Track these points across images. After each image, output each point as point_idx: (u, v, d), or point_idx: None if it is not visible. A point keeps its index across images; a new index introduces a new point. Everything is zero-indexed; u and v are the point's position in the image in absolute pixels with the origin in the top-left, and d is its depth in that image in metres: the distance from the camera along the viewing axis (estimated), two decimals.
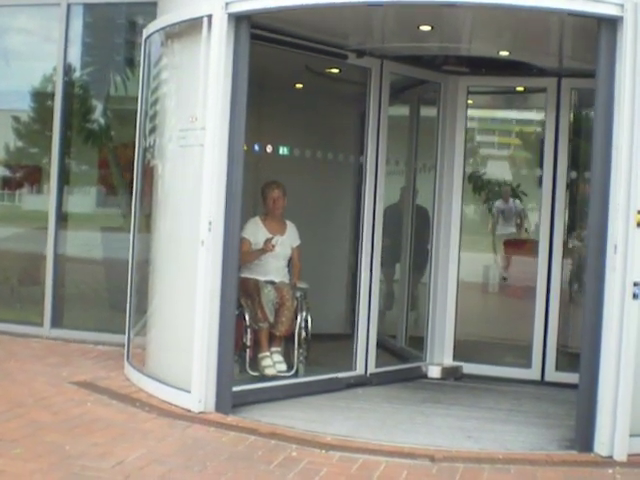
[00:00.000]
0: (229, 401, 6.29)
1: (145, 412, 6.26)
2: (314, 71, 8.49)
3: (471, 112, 8.60)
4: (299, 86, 9.37)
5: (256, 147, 8.99)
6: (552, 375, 7.87)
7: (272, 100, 8.82)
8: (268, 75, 7.85)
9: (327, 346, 8.20)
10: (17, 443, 5.33)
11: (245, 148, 6.49)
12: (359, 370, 7.60)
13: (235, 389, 6.44)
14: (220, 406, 6.28)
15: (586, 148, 7.12)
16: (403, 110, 8.52)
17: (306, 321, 7.56)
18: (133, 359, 7.44)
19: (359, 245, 7.71)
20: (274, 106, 8.89)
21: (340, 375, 7.43)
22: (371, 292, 7.62)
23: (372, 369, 7.65)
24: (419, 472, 5.23)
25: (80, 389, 6.81)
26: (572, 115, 8.49)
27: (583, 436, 5.76)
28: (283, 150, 9.38)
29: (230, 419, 6.14)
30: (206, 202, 6.23)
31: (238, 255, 6.46)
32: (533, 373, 7.91)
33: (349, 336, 8.32)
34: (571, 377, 6.51)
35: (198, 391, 6.25)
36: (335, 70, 8.46)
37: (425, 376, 7.98)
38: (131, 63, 9.56)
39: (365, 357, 7.62)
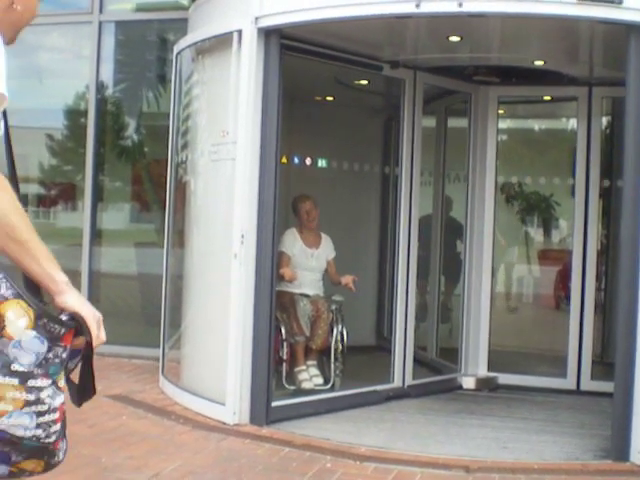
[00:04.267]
0: (264, 413, 6.31)
1: (180, 425, 6.29)
2: (343, 83, 8.53)
3: (502, 121, 8.59)
4: (329, 98, 9.42)
5: (295, 159, 9.04)
6: (588, 384, 7.82)
7: (301, 112, 8.85)
8: (297, 87, 7.88)
9: (359, 359, 8.19)
10: None
11: (285, 161, 6.52)
12: (397, 382, 7.57)
13: (273, 404, 6.46)
14: (255, 418, 6.30)
15: (618, 156, 7.10)
16: (431, 120, 8.52)
17: (342, 334, 7.56)
18: (168, 372, 7.48)
19: (394, 256, 7.68)
20: (303, 118, 8.92)
21: (379, 388, 7.42)
22: (407, 304, 7.61)
23: (409, 381, 7.63)
24: None
25: (115, 402, 6.86)
26: (604, 123, 8.47)
27: (619, 445, 5.71)
28: (319, 162, 9.43)
29: (265, 431, 6.16)
30: (238, 215, 6.27)
31: (276, 268, 6.49)
32: (568, 383, 7.86)
33: (379, 348, 8.33)
34: (607, 386, 6.47)
35: (232, 403, 6.27)
36: (364, 82, 8.49)
37: (460, 387, 7.96)
38: (163, 79, 9.63)
39: (403, 369, 7.61)
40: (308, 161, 9.32)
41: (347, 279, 7.63)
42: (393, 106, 8.90)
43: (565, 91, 8.29)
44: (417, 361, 7.91)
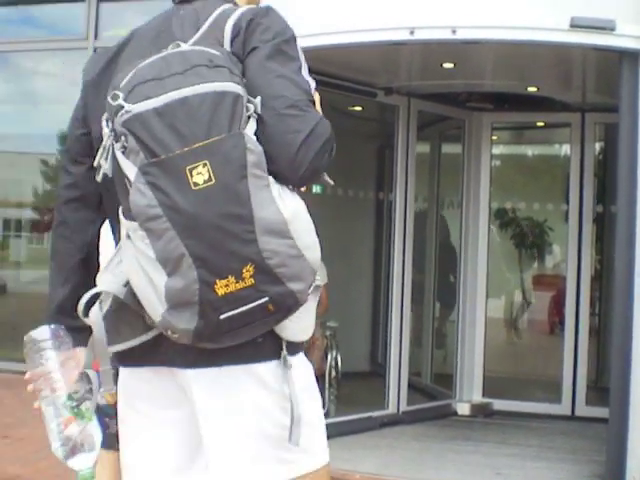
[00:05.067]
0: None
1: None
2: (337, 109, 8.55)
3: (495, 147, 8.62)
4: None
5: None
6: (582, 410, 7.81)
7: None
8: None
9: (353, 385, 8.16)
10: None
11: None
12: (391, 409, 7.54)
13: None
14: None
15: (612, 182, 7.13)
16: (424, 147, 8.54)
17: (336, 360, 7.54)
18: None
19: (389, 282, 7.68)
20: None
21: (374, 414, 7.39)
22: (402, 330, 7.59)
23: (404, 407, 7.60)
24: None
25: None
26: (597, 149, 8.52)
27: (614, 471, 5.68)
28: (314, 188, 9.42)
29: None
30: None
31: None
32: (563, 408, 7.85)
33: (373, 374, 8.30)
34: (602, 412, 6.46)
35: None
36: (358, 108, 8.51)
37: (455, 413, 7.94)
38: None
39: (397, 395, 7.57)
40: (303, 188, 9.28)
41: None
42: (387, 132, 8.94)
43: (558, 117, 8.33)
44: (411, 387, 7.91)
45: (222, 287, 1.77)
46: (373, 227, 9.89)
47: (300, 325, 2.01)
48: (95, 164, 1.94)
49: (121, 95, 1.83)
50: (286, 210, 1.84)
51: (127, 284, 1.91)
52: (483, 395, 8.06)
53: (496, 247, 9.32)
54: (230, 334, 1.85)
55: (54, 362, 2.19)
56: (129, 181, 1.81)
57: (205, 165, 1.77)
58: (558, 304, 8.68)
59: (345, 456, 6.29)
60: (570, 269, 8.00)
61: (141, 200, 1.78)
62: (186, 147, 1.78)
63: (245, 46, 2.00)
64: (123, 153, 1.83)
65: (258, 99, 1.89)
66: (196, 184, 1.76)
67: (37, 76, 10.36)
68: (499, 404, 7.97)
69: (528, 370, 9.32)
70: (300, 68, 2.07)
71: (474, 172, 8.16)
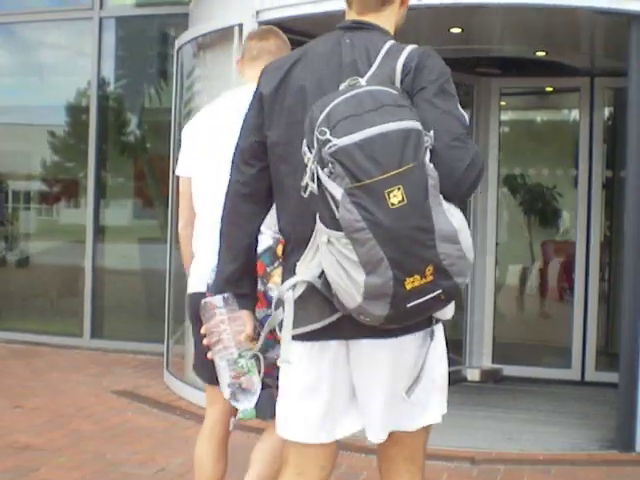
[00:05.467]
0: (269, 406, 6.30)
1: (185, 420, 6.30)
2: None
3: (504, 113, 8.58)
4: None
5: None
6: (592, 375, 7.84)
7: None
8: None
9: None
10: (60, 452, 5.40)
11: None
12: None
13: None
14: (260, 411, 6.29)
15: (621, 147, 7.10)
16: None
17: None
18: (172, 367, 7.48)
19: None
20: None
21: None
22: None
23: None
24: (460, 474, 5.23)
25: (121, 398, 6.87)
26: (606, 114, 8.47)
27: (624, 435, 5.72)
28: None
29: (269, 424, 6.15)
30: None
31: None
32: (573, 373, 7.88)
33: None
34: (611, 377, 6.48)
35: None
36: None
37: (465, 379, 7.96)
38: (164, 75, 9.63)
39: None
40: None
41: None
42: None
43: (567, 82, 8.28)
44: None
45: (410, 283, 2.26)
46: None
47: (449, 307, 2.51)
48: (302, 184, 2.37)
49: (327, 131, 2.26)
50: (455, 222, 2.33)
51: (321, 275, 2.41)
52: (493, 361, 8.08)
53: (505, 213, 9.29)
54: (411, 318, 2.37)
55: (226, 323, 2.75)
56: (333, 199, 2.28)
57: (399, 189, 2.23)
58: (567, 270, 8.66)
59: None
60: (579, 235, 7.99)
61: (349, 216, 2.25)
62: (384, 174, 2.23)
63: (414, 84, 2.47)
64: (329, 177, 2.28)
65: (432, 133, 2.35)
66: (392, 204, 2.23)
67: (43, 47, 10.33)
68: (509, 370, 7.99)
69: (537, 336, 9.32)
70: (457, 103, 2.51)
71: (482, 138, 8.12)
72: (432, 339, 2.59)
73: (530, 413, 6.74)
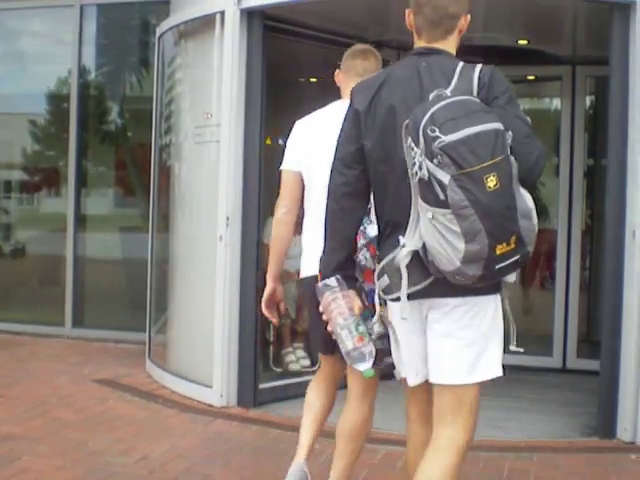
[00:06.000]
0: (251, 395, 6.31)
1: (167, 408, 6.29)
2: (329, 63, 8.49)
3: None
4: (313, 80, 9.40)
5: (280, 141, 8.94)
6: (574, 363, 7.88)
7: (286, 94, 8.81)
8: (281, 69, 7.84)
9: None
10: (40, 441, 5.38)
11: (269, 142, 6.47)
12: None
13: (261, 386, 6.46)
14: (242, 400, 6.31)
15: (602, 135, 7.11)
16: None
17: None
18: (154, 356, 7.47)
19: None
20: (288, 100, 8.88)
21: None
22: None
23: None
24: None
25: (102, 387, 6.85)
26: (588, 102, 8.49)
27: (605, 422, 5.74)
28: None
29: (252, 413, 6.17)
30: (223, 197, 6.26)
31: (258, 255, 6.41)
32: (555, 361, 7.91)
33: None
34: (592, 364, 6.50)
35: (220, 386, 6.27)
36: None
37: None
38: (146, 63, 9.57)
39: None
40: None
41: None
42: None
43: (549, 70, 8.28)
44: None
45: (499, 249, 2.88)
46: None
47: (514, 273, 3.09)
48: (410, 173, 2.96)
49: (437, 130, 2.86)
50: (529, 202, 3.00)
51: (422, 246, 3.01)
52: None
53: None
54: (495, 278, 3.02)
55: (340, 299, 3.33)
56: (440, 184, 2.86)
57: (495, 175, 2.84)
58: (549, 258, 8.69)
59: (336, 409, 6.31)
60: (561, 223, 8.01)
61: (455, 197, 2.84)
62: (482, 164, 2.84)
63: (489, 95, 3.09)
64: (437, 165, 2.86)
65: (509, 133, 2.96)
66: (489, 187, 2.84)
67: (24, 35, 10.24)
68: None
69: (519, 324, 9.34)
70: (521, 109, 3.16)
71: None
72: (495, 304, 3.22)
73: (512, 400, 6.76)
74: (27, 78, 10.24)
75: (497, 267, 2.92)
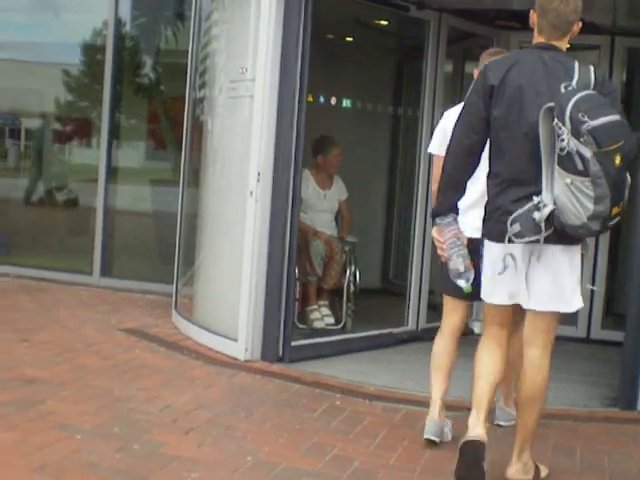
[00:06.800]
0: (275, 350, 6.36)
1: (192, 359, 6.35)
2: (362, 23, 8.47)
3: None
4: (349, 39, 9.38)
5: (321, 99, 8.91)
6: (598, 333, 7.90)
7: (321, 51, 8.77)
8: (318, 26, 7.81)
9: (367, 302, 8.20)
10: (66, 386, 5.42)
11: (310, 99, 6.48)
12: (411, 325, 7.62)
13: (292, 344, 6.50)
14: (266, 355, 6.35)
15: (638, 108, 7.06)
16: (448, 65, 8.46)
17: (354, 275, 7.59)
18: (181, 308, 7.52)
19: (415, 199, 7.68)
20: (322, 57, 8.85)
21: (395, 331, 7.44)
22: (424, 247, 7.62)
23: (423, 325, 7.67)
24: (462, 424, 5.25)
25: (129, 336, 6.92)
26: (625, 74, 8.41)
27: (626, 394, 5.75)
28: (341, 102, 9.35)
29: (275, 367, 6.21)
30: (255, 153, 6.26)
31: (287, 211, 6.48)
32: (579, 331, 7.91)
33: (384, 291, 8.35)
34: (616, 335, 6.50)
35: (245, 340, 6.31)
36: (384, 22, 8.43)
37: (472, 332, 7.99)
38: (181, 16, 9.56)
39: (417, 313, 7.64)
40: (333, 101, 9.13)
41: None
42: (407, 47, 8.84)
43: (587, 39, 8.13)
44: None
45: (614, 211, 3.77)
46: (389, 143, 9.92)
47: None
48: (562, 146, 3.74)
49: (586, 115, 3.68)
50: (628, 177, 3.83)
51: (554, 204, 3.85)
52: None
53: None
54: (604, 232, 4.03)
55: (455, 232, 4.22)
56: (581, 157, 3.68)
57: (619, 155, 3.69)
58: None
59: (362, 369, 6.38)
60: None
61: (595, 168, 3.67)
62: (615, 145, 3.68)
63: (601, 91, 3.91)
64: (581, 143, 3.68)
65: None
66: (617, 164, 3.69)
67: None
68: None
69: None
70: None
71: None
72: (579, 253, 4.09)
73: None
74: (61, 28, 10.23)
75: (609, 224, 3.82)
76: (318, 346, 6.83)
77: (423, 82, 7.63)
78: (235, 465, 4.27)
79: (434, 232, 4.35)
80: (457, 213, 4.30)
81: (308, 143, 7.86)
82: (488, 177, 4.18)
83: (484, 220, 4.19)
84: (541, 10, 4.14)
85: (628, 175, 3.81)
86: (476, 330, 7.95)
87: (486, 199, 4.20)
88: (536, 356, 4.30)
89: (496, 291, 4.18)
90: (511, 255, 4.03)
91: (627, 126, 3.77)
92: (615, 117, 3.72)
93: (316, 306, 7.39)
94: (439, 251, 4.35)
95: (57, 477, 3.94)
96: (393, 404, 5.55)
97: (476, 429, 4.18)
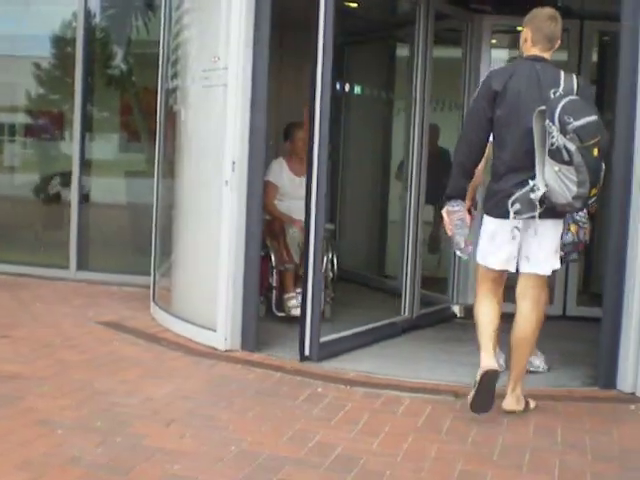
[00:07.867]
0: (255, 339, 6.35)
1: (171, 351, 6.34)
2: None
3: (495, 52, 8.52)
4: None
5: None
6: (574, 310, 8.05)
7: (295, 39, 8.74)
8: (290, 14, 7.77)
9: (352, 288, 8.22)
10: (45, 381, 5.42)
11: None
12: (407, 314, 7.61)
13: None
14: (246, 344, 6.34)
15: (609, 90, 7.07)
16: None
17: (332, 262, 7.58)
18: (159, 300, 7.50)
19: (409, 186, 7.67)
20: (297, 44, 8.83)
21: (396, 320, 7.43)
22: (418, 235, 7.64)
23: (417, 312, 7.69)
24: (443, 407, 5.30)
25: (107, 329, 6.90)
26: (594, 57, 8.45)
27: (606, 373, 5.77)
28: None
29: (256, 357, 6.21)
30: (229, 142, 6.24)
31: (263, 198, 6.52)
32: (555, 309, 7.94)
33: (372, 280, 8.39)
34: (593, 311, 6.55)
35: (223, 329, 6.31)
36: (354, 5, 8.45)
37: (455, 316, 8.05)
38: (151, 6, 9.49)
39: (412, 300, 7.64)
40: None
41: None
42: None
43: None
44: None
45: (592, 192, 4.69)
46: (380, 127, 9.99)
47: None
48: (552, 142, 4.65)
49: (571, 117, 4.57)
50: (603, 165, 4.75)
51: (546, 187, 4.77)
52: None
53: None
54: (584, 208, 5.11)
55: (460, 215, 5.14)
56: (567, 150, 4.61)
57: (597, 147, 4.60)
58: None
59: (342, 356, 6.37)
60: None
61: (578, 159, 4.59)
62: (593, 140, 4.58)
63: (583, 95, 4.86)
64: (568, 140, 4.58)
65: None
66: (595, 155, 4.61)
67: None
68: None
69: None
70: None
71: (473, 76, 8.07)
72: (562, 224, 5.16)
73: None
74: (31, 20, 10.12)
75: (589, 202, 4.81)
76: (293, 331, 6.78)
77: (414, 67, 7.63)
78: (218, 455, 4.27)
79: (444, 213, 5.19)
80: (464, 197, 5.20)
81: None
82: (493, 164, 5.17)
83: (487, 197, 5.17)
84: (537, 28, 5.07)
85: (603, 164, 4.68)
86: (458, 313, 8.03)
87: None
88: (528, 309, 5.12)
89: (495, 255, 5.11)
90: (517, 228, 4.97)
91: (602, 125, 4.64)
92: (594, 118, 4.61)
93: (294, 294, 7.38)
94: (447, 229, 5.22)
95: (40, 473, 3.93)
96: (374, 389, 5.56)
97: (490, 361, 5.06)
